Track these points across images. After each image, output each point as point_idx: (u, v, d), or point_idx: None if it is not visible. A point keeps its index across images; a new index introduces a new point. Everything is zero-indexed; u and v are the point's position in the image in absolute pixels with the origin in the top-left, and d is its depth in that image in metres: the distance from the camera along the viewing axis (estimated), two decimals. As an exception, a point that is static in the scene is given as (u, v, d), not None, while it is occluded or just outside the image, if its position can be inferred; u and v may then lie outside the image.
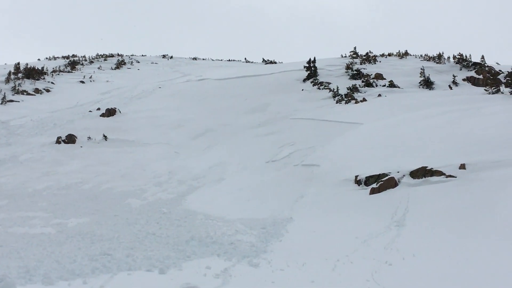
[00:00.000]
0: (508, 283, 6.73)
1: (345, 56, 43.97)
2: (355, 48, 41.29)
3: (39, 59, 57.96)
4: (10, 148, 22.21)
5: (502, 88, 24.95)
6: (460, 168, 12.05)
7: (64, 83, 39.77)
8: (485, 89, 25.58)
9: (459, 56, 36.05)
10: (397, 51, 44.60)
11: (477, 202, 10.05)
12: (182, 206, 14.46)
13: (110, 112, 28.95)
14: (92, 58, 56.94)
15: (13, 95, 33.02)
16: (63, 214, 12.89)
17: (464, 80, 31.64)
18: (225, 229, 11.20)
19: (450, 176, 11.88)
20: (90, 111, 29.75)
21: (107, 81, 42.66)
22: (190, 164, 20.56)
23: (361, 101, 27.14)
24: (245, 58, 64.10)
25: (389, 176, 13.01)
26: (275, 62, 53.88)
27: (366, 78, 32.70)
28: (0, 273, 6.82)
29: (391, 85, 30.86)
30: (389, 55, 44.50)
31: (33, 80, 37.52)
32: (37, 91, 35.49)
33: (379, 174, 13.45)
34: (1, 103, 30.26)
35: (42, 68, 41.73)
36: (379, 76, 33.08)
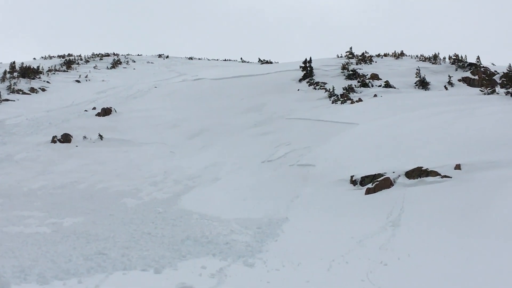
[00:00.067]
0: (499, 281, 6.77)
1: (341, 56, 44.09)
2: (351, 48, 41.41)
3: (34, 58, 57.85)
4: (5, 147, 22.12)
5: (498, 88, 25.08)
6: (455, 168, 12.11)
7: (59, 82, 39.69)
8: (480, 90, 25.69)
9: (454, 57, 36.17)
10: (393, 52, 44.85)
11: (472, 203, 10.11)
12: (177, 205, 14.44)
13: (106, 112, 28.88)
14: (88, 58, 56.86)
15: (8, 94, 32.92)
16: (58, 213, 12.86)
17: (459, 80, 31.74)
18: (221, 228, 11.21)
19: (446, 176, 11.94)
20: (85, 110, 29.68)
21: (103, 80, 42.60)
22: (186, 164, 20.52)
23: (356, 101, 27.19)
24: (241, 58, 64.23)
25: (384, 176, 13.04)
26: (271, 62, 53.97)
27: (362, 79, 32.78)
28: (-5, 272, 6.80)
29: (387, 85, 30.93)
30: (385, 55, 44.69)
31: (28, 79, 37.42)
32: (32, 90, 35.38)
33: (375, 174, 13.49)
34: (-4, 102, 30.19)
35: (38, 67, 41.61)
36: (375, 77, 33.16)
